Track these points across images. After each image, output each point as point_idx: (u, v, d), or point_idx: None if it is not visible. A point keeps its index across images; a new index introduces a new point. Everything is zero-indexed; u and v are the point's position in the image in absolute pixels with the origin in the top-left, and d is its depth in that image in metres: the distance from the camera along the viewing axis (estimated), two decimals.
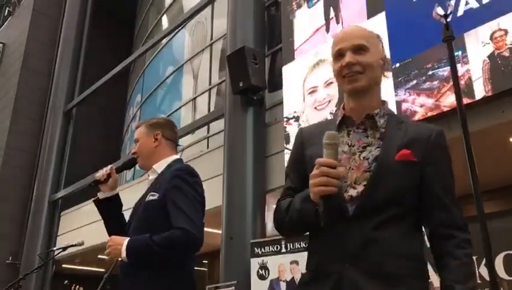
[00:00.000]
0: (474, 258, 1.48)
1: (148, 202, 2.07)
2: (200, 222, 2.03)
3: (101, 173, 2.19)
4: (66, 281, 2.98)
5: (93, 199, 2.25)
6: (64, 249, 3.56)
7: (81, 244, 3.45)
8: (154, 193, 2.07)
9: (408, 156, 1.41)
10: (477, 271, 3.69)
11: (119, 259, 2.03)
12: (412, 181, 1.41)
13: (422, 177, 1.42)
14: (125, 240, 1.99)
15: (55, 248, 3.67)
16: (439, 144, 1.46)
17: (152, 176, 2.22)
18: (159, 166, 2.20)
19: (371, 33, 1.53)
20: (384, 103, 1.54)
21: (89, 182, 2.13)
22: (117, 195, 2.27)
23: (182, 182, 2.05)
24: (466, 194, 2.35)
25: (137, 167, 2.32)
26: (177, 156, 2.27)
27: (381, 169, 1.39)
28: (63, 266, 11.25)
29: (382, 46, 1.54)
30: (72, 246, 3.49)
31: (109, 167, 2.21)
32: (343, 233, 1.38)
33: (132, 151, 2.28)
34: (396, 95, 4.86)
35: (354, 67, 1.45)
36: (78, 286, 2.95)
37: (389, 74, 4.97)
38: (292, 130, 5.95)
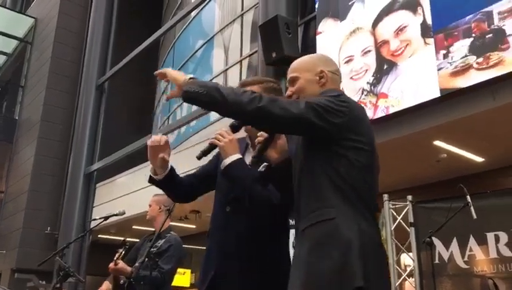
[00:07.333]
0: None
1: None
2: None
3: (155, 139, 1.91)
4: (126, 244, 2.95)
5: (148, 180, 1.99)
6: (106, 218, 3.61)
7: (123, 213, 3.48)
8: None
9: None
10: None
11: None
12: None
13: None
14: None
15: (97, 218, 3.72)
16: None
17: None
18: None
19: (301, 62, 1.78)
20: None
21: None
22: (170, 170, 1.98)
23: None
24: None
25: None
26: None
27: None
28: (99, 236, 11.56)
29: (318, 63, 1.74)
30: (114, 215, 3.52)
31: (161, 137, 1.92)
32: None
33: None
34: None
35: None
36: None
37: (431, 41, 4.78)
38: None
